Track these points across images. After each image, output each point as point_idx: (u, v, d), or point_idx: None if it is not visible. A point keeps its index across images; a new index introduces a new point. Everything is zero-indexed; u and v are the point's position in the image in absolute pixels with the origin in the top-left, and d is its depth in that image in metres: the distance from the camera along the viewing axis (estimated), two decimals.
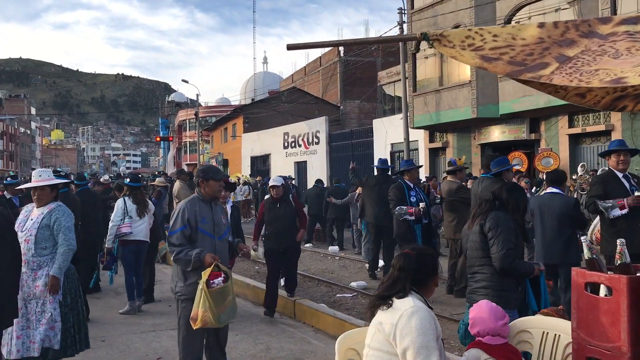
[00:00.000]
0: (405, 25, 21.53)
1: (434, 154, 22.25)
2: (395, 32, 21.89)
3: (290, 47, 2.74)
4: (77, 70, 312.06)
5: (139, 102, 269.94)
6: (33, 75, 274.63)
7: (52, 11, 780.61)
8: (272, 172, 32.81)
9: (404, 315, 2.71)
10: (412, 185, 7.81)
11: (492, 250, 3.78)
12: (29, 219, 5.00)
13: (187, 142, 64.71)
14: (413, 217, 7.38)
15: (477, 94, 18.46)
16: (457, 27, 19.38)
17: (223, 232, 4.85)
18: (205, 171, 4.87)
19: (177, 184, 11.96)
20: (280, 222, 7.46)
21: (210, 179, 4.71)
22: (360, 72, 37.42)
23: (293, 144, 32.08)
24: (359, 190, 12.49)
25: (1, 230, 4.19)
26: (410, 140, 20.73)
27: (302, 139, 31.00)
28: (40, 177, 5.09)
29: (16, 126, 77.57)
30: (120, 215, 7.46)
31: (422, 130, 21.93)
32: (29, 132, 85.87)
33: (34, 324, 4.71)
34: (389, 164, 23.90)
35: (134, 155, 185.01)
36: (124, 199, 7.64)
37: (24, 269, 4.74)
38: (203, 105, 61.97)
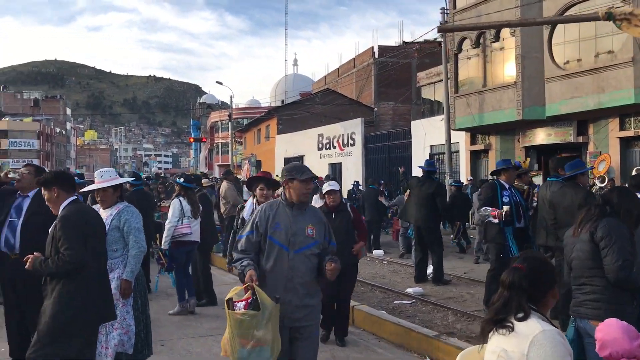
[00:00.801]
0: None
1: (476, 156, 21.79)
2: (425, 31, 21.53)
3: (441, 30, 2.56)
4: (110, 72, 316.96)
5: (170, 104, 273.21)
6: (67, 76, 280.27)
7: (86, 14, 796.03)
8: None
9: (535, 343, 2.42)
10: (506, 186, 7.32)
11: (606, 260, 3.48)
12: None
13: (219, 143, 65.13)
14: (496, 220, 6.99)
15: (522, 95, 17.99)
16: (501, 28, 18.95)
17: (303, 245, 3.85)
18: (289, 170, 4.00)
19: (224, 185, 11.84)
20: (336, 236, 6.02)
21: (295, 179, 3.87)
22: (395, 74, 37.01)
23: (327, 146, 31.89)
24: (406, 194, 12.23)
25: (100, 228, 4.08)
26: (451, 142, 20.37)
27: (337, 141, 30.78)
28: (102, 177, 4.92)
29: (52, 126, 79.05)
30: (178, 215, 7.29)
31: (464, 132, 21.50)
32: (64, 132, 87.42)
33: (107, 328, 4.56)
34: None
35: (165, 155, 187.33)
36: (180, 200, 7.49)
37: None
38: (234, 107, 62.19)
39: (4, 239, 4.96)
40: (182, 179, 7.77)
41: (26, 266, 3.88)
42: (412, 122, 25.23)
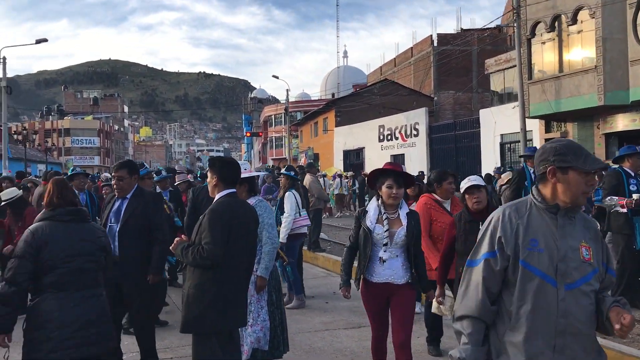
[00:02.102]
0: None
1: None
2: (481, 18, 20.82)
3: None
4: (162, 69, 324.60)
5: (220, 99, 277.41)
6: (121, 75, 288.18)
7: (137, 14, 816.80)
8: (366, 165, 32.40)
9: None
10: (632, 174, 6.87)
11: None
12: None
13: (273, 137, 65.52)
14: (624, 209, 6.58)
15: (604, 80, 17.15)
16: (578, 10, 18.15)
17: (579, 277, 2.32)
18: (561, 152, 2.37)
19: (307, 177, 11.74)
20: None
21: (571, 168, 2.34)
22: (455, 62, 36.20)
23: (389, 137, 31.49)
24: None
25: (250, 226, 3.96)
26: (526, 130, 19.68)
27: (400, 132, 30.36)
28: (245, 169, 4.82)
29: (111, 124, 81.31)
30: (295, 209, 7.18)
31: (537, 120, 20.75)
32: (122, 129, 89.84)
33: None
34: (499, 156, 23.15)
35: (217, 150, 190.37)
36: (293, 192, 7.36)
37: None
38: (282, 102, 62.44)
39: None
40: (291, 172, 7.64)
41: (170, 247, 3.93)
42: (481, 111, 24.59)
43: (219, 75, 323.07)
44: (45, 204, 3.64)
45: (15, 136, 44.09)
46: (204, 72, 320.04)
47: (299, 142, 52.33)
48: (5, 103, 27.54)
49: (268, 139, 67.04)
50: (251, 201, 4.70)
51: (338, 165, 35.68)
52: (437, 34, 38.61)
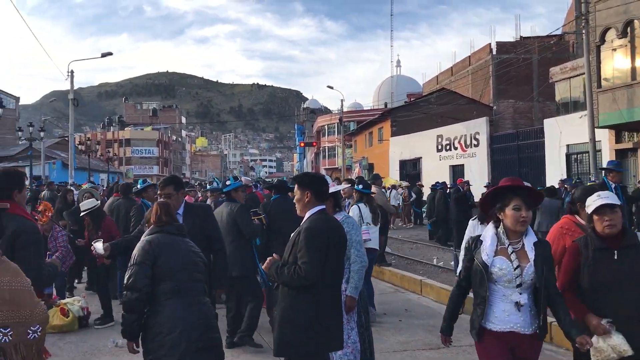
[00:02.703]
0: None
1: (622, 155, 20.04)
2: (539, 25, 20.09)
3: None
4: (217, 81, 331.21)
5: (273, 110, 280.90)
6: (178, 87, 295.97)
7: (193, 27, 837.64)
8: (423, 176, 31.92)
9: None
10: (612, 185, 6.49)
11: None
12: None
13: (326, 147, 65.63)
14: None
15: None
16: None
17: None
18: None
19: (373, 189, 11.51)
20: (624, 291, 3.50)
21: None
22: (515, 71, 35.30)
23: (448, 147, 30.92)
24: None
25: (342, 244, 3.82)
26: (595, 140, 18.89)
27: (459, 142, 29.75)
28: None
29: (169, 134, 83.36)
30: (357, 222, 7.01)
31: (607, 130, 19.88)
32: (179, 139, 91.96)
33: None
34: (565, 167, 22.29)
35: (270, 160, 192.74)
36: (358, 206, 7.22)
37: None
38: (335, 112, 62.46)
39: None
40: (360, 185, 7.50)
41: (262, 266, 3.85)
42: (545, 120, 23.79)
43: (272, 86, 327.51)
44: (153, 221, 3.81)
45: (79, 147, 45.77)
46: (258, 84, 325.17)
47: (352, 151, 52.15)
48: (72, 115, 28.54)
49: (321, 148, 67.22)
50: (338, 217, 4.54)
51: (394, 175, 35.27)
52: (496, 42, 37.79)
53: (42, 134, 34.92)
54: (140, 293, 3.46)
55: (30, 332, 2.78)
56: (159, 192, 5.03)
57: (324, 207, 3.82)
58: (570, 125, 21.49)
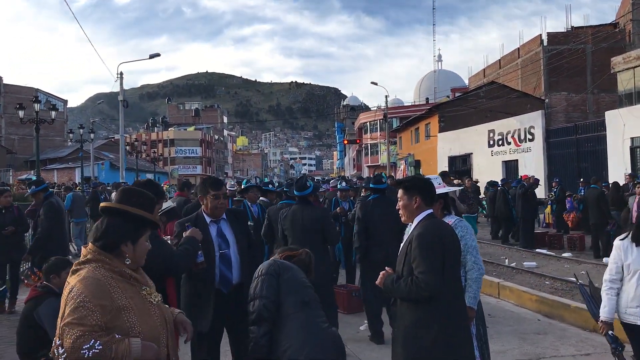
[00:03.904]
0: None
1: None
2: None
3: None
4: (255, 80, 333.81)
5: (311, 108, 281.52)
6: (217, 87, 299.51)
7: (232, 27, 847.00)
8: (474, 172, 31.09)
9: None
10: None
11: None
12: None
13: (369, 145, 65.04)
14: None
15: None
16: None
17: None
18: None
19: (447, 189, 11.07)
20: None
21: None
22: (567, 62, 34.07)
23: (500, 142, 30.00)
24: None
25: (456, 250, 3.44)
26: None
27: (512, 136, 28.83)
28: (439, 184, 4.25)
29: (212, 134, 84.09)
30: None
31: None
32: (222, 139, 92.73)
33: None
34: (630, 161, 21.26)
35: (309, 158, 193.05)
36: None
37: None
38: (376, 109, 61.77)
39: (219, 275, 4.26)
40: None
41: (376, 282, 3.50)
42: (607, 113, 22.72)
43: (309, 84, 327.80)
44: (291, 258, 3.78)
45: (126, 147, 46.50)
46: (296, 82, 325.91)
47: (397, 148, 51.43)
48: (122, 116, 28.82)
49: (362, 146, 66.66)
50: (449, 221, 4.12)
51: (441, 172, 34.53)
52: (547, 33, 36.54)
53: (92, 135, 35.44)
54: (267, 300, 3.33)
55: None
56: (214, 192, 4.36)
57: (431, 211, 3.51)
58: (635, 117, 20.47)
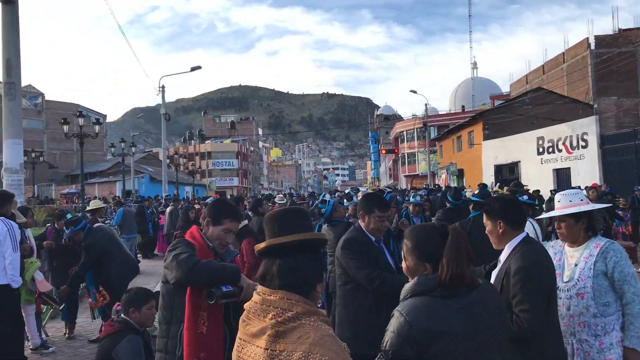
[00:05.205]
0: None
1: None
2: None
3: None
4: (288, 92, 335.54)
5: (343, 118, 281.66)
6: (250, 99, 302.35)
7: (264, 40, 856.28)
8: (522, 181, 30.03)
9: None
10: None
11: None
12: (575, 264, 3.52)
13: (406, 154, 64.16)
14: None
15: None
16: None
17: None
18: None
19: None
20: None
21: None
22: (617, 66, 32.85)
23: (550, 149, 28.91)
24: None
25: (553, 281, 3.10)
26: None
27: (563, 143, 27.74)
28: (570, 202, 3.59)
29: (247, 146, 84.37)
30: None
31: None
32: (257, 150, 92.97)
33: None
34: None
35: (342, 168, 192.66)
36: (531, 222, 6.05)
37: (584, 336, 3.38)
38: (412, 117, 60.88)
39: None
40: (525, 197, 6.31)
41: None
42: None
43: (341, 94, 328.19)
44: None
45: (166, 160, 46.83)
46: (327, 93, 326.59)
47: (437, 157, 50.45)
48: (164, 129, 28.75)
49: (399, 155, 65.82)
50: (600, 243, 3.44)
51: (488, 181, 33.51)
52: (595, 36, 35.35)
53: (133, 149, 35.61)
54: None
55: None
56: (378, 214, 4.11)
57: (525, 234, 3.14)
58: None
